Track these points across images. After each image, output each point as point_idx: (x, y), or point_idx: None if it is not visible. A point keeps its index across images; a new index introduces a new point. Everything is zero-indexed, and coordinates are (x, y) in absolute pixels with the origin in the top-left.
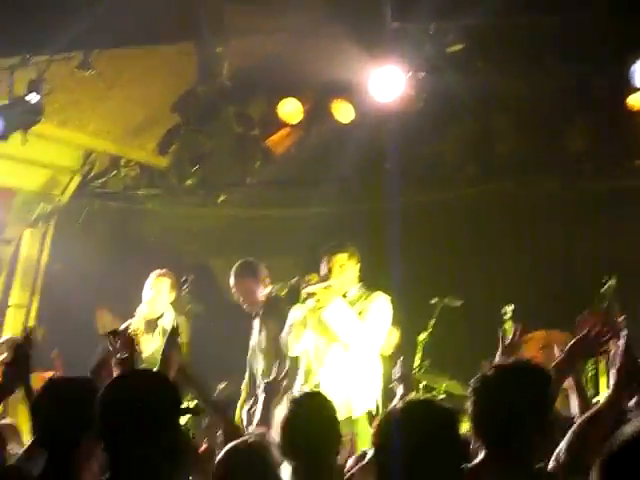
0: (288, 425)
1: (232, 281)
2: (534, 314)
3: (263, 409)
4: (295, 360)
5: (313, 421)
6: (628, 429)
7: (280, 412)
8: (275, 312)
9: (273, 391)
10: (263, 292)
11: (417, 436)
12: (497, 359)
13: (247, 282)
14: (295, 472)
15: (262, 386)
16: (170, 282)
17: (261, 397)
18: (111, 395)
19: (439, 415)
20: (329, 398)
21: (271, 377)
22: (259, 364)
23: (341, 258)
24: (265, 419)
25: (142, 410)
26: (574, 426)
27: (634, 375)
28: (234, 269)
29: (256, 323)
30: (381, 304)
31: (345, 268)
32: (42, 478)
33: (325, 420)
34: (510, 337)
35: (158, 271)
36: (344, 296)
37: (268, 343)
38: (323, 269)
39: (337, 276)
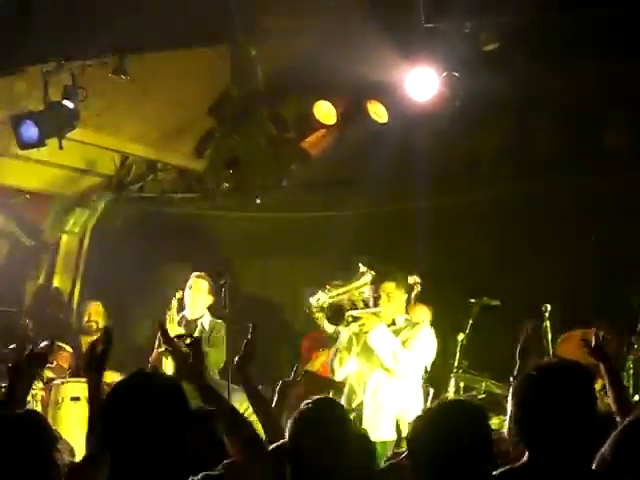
0: (294, 426)
1: None
2: (571, 313)
3: (275, 407)
4: None
5: (320, 421)
6: None
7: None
8: None
9: (286, 391)
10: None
11: (448, 436)
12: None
13: None
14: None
15: (278, 386)
16: (208, 285)
17: (275, 397)
18: (113, 398)
19: (469, 414)
20: (341, 403)
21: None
22: None
23: (389, 287)
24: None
25: (141, 413)
26: (620, 426)
27: None
28: None
29: None
30: (426, 333)
31: (393, 297)
32: None
33: (333, 421)
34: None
35: (197, 273)
36: (392, 324)
37: None
38: (370, 295)
39: (384, 304)
